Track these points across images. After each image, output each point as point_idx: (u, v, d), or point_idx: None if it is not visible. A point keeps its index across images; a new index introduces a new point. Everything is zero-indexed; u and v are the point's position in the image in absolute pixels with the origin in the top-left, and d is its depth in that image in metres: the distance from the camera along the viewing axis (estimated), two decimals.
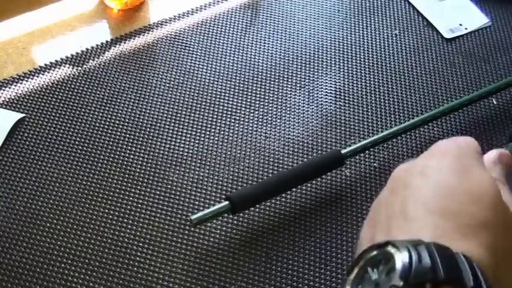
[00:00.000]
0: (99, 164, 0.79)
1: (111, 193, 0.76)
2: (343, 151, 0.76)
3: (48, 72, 0.88)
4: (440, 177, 0.36)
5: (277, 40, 0.94)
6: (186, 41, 0.93)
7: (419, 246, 0.31)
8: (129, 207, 0.75)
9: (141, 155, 0.80)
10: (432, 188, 0.35)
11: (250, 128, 0.84)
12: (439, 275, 0.30)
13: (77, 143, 0.81)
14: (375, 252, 0.33)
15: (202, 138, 0.82)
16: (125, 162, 0.79)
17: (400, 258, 0.31)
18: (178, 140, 0.82)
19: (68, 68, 0.88)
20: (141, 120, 0.84)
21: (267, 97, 0.87)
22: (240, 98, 0.87)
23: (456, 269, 0.30)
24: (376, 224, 0.36)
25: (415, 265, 0.30)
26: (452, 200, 0.34)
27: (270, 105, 0.86)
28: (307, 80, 0.89)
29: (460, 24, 0.98)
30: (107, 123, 0.83)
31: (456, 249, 0.31)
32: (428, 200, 0.35)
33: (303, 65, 0.91)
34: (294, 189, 0.77)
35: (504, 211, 0.35)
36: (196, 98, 0.87)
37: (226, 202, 0.71)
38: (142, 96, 0.86)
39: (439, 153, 0.38)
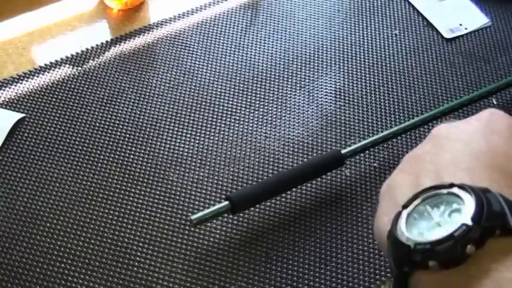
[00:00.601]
0: (99, 164, 0.79)
1: (111, 193, 0.76)
2: (343, 151, 0.76)
3: (48, 72, 0.88)
4: (494, 139, 0.35)
5: (277, 40, 0.94)
6: (186, 41, 0.93)
7: (488, 194, 0.31)
8: (129, 207, 0.75)
9: (141, 155, 0.80)
10: (486, 148, 0.35)
11: (250, 128, 0.84)
12: (508, 222, 0.30)
13: (77, 143, 0.81)
14: (439, 191, 0.32)
15: (202, 138, 0.82)
16: (125, 162, 0.79)
17: (471, 200, 0.30)
18: (178, 140, 0.82)
19: (68, 68, 0.88)
20: (141, 120, 0.84)
21: (267, 97, 0.87)
22: (240, 98, 0.87)
23: None
24: (420, 171, 0.35)
25: (486, 209, 0.30)
26: (507, 159, 0.34)
27: (270, 105, 0.86)
28: (307, 80, 0.89)
29: (460, 24, 0.98)
30: (107, 123, 0.83)
31: None
32: (481, 155, 0.34)
33: (303, 65, 0.91)
34: (294, 189, 0.77)
35: None
36: (196, 98, 0.87)
37: (226, 202, 0.71)
38: (142, 96, 0.86)
39: (488, 116, 0.38)
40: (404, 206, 0.33)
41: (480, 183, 0.32)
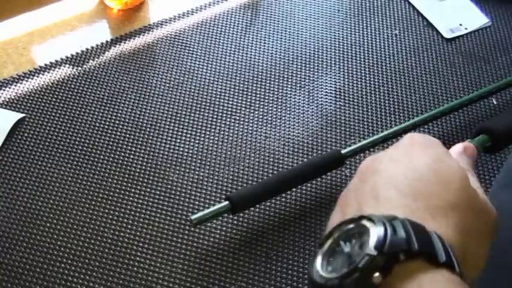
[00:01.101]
0: (99, 164, 0.79)
1: (111, 193, 0.76)
2: (343, 151, 0.76)
3: (48, 72, 0.88)
4: (410, 162, 0.36)
5: (277, 40, 0.94)
6: (186, 41, 0.93)
7: (394, 220, 0.31)
8: (129, 207, 0.75)
9: (141, 155, 0.80)
10: (403, 172, 0.35)
11: (250, 128, 0.84)
12: (413, 246, 0.30)
13: (77, 143, 0.81)
14: (349, 226, 0.33)
15: (202, 138, 0.82)
16: (125, 162, 0.79)
17: (376, 231, 0.31)
18: (178, 140, 0.82)
19: (68, 68, 0.88)
20: (141, 120, 0.84)
21: (267, 97, 0.87)
22: (240, 98, 0.87)
23: (429, 244, 0.31)
24: (346, 208, 0.36)
25: (390, 236, 0.30)
26: (422, 182, 0.35)
27: (270, 105, 0.86)
28: (307, 80, 0.89)
29: (460, 24, 0.98)
30: (107, 123, 0.83)
31: (428, 228, 0.32)
32: (399, 182, 0.35)
33: (303, 65, 0.91)
34: (294, 189, 0.77)
35: (471, 194, 0.36)
36: (196, 98, 0.87)
37: (226, 202, 0.71)
38: (142, 96, 0.86)
39: (407, 142, 0.38)
40: (320, 245, 0.34)
41: (393, 212, 0.33)
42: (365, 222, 0.32)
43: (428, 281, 0.29)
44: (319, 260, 0.32)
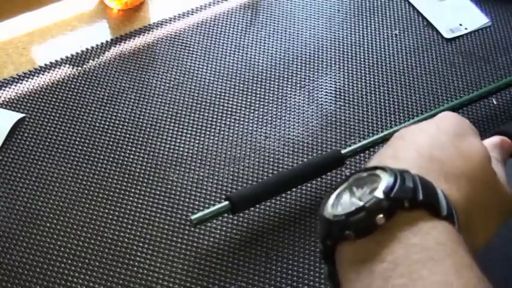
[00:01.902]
0: (99, 164, 0.79)
1: (111, 193, 0.76)
2: (343, 151, 0.76)
3: (48, 72, 0.88)
4: (435, 133, 0.39)
5: (277, 40, 0.94)
6: (186, 41, 0.93)
7: (405, 173, 0.34)
8: (129, 207, 0.75)
9: (141, 155, 0.80)
10: (426, 139, 0.38)
11: (250, 128, 0.84)
12: (418, 196, 0.33)
13: (77, 143, 0.81)
14: (363, 174, 0.36)
15: (202, 138, 0.82)
16: (125, 162, 0.79)
17: (386, 179, 0.34)
18: (178, 140, 0.82)
19: (68, 68, 0.88)
20: (141, 120, 0.84)
21: (267, 97, 0.87)
22: (240, 98, 0.87)
23: (434, 197, 0.33)
24: (367, 164, 0.39)
25: (398, 184, 0.33)
26: (443, 151, 0.37)
27: (270, 105, 0.86)
28: (307, 80, 0.89)
29: (460, 24, 0.98)
30: (107, 123, 0.83)
31: (437, 187, 0.34)
32: (419, 146, 0.38)
33: (303, 65, 0.91)
34: (294, 189, 0.77)
35: (488, 173, 0.38)
36: (196, 98, 0.87)
37: (226, 202, 0.71)
38: (142, 96, 0.86)
39: (440, 118, 0.41)
40: (335, 188, 0.37)
41: (410, 169, 0.35)
42: (379, 171, 0.35)
43: (428, 228, 0.32)
44: (331, 200, 0.35)
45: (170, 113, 0.85)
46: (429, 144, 0.38)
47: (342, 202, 0.35)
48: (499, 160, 0.43)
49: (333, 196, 0.36)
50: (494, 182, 0.38)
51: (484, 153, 0.38)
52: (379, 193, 0.33)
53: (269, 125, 0.84)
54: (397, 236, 0.32)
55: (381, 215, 0.32)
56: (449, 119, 0.41)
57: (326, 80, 0.89)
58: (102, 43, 0.91)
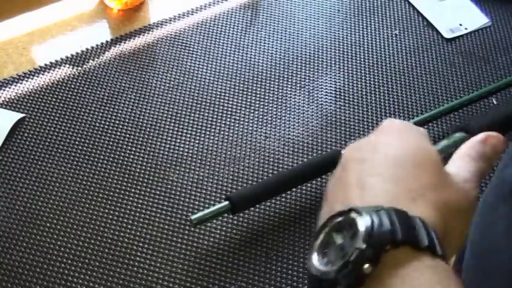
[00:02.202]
0: (99, 164, 0.79)
1: (111, 193, 0.76)
2: (342, 151, 0.76)
3: (48, 72, 0.88)
4: (390, 150, 0.39)
5: (277, 40, 0.94)
6: (186, 41, 0.93)
7: (380, 211, 0.34)
8: (129, 207, 0.75)
9: (141, 155, 0.80)
10: (384, 161, 0.38)
11: (250, 128, 0.84)
12: (397, 236, 0.33)
13: (77, 143, 0.81)
14: (339, 219, 0.35)
15: (202, 138, 0.82)
16: (125, 162, 0.79)
17: (363, 223, 0.33)
18: (178, 140, 0.82)
19: (68, 68, 0.88)
20: (141, 120, 0.84)
21: (267, 97, 0.87)
22: (240, 98, 0.87)
23: (413, 231, 0.33)
24: (334, 201, 0.39)
25: (376, 228, 0.33)
26: (401, 168, 0.38)
27: (270, 105, 0.86)
28: (307, 80, 0.89)
29: (460, 24, 0.98)
30: (107, 123, 0.83)
31: (411, 213, 0.34)
32: (380, 170, 0.38)
33: (303, 65, 0.91)
34: (294, 189, 0.77)
35: (444, 175, 0.39)
36: (196, 98, 0.87)
37: (226, 202, 0.71)
38: (142, 96, 0.86)
39: (388, 129, 0.42)
40: (315, 238, 0.36)
41: (376, 199, 0.36)
42: (353, 214, 0.35)
43: (412, 269, 0.32)
44: (315, 254, 0.35)
45: (170, 113, 0.85)
46: (388, 164, 0.38)
47: (327, 253, 0.35)
48: (475, 158, 0.43)
49: (316, 247, 0.36)
50: (454, 182, 0.39)
51: (435, 155, 0.39)
52: (360, 243, 0.33)
53: (269, 125, 0.84)
54: (386, 283, 0.32)
55: (367, 265, 0.33)
56: (396, 128, 0.41)
57: (326, 80, 0.89)
58: (102, 43, 0.91)
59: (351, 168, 0.40)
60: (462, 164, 0.41)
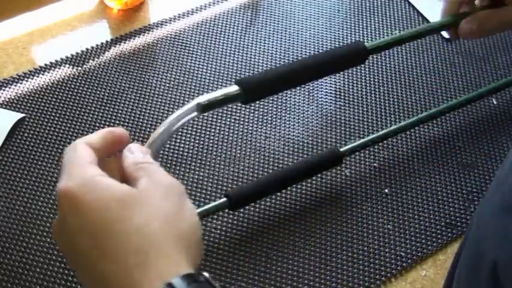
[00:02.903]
0: None
1: None
2: (341, 149, 0.77)
3: (48, 72, 0.88)
4: (82, 228, 0.41)
5: (277, 40, 0.94)
6: (186, 41, 0.93)
7: None
8: None
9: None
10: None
11: (250, 128, 0.84)
12: None
13: None
14: None
15: (202, 138, 0.82)
16: None
17: None
18: (178, 140, 0.82)
19: (68, 68, 0.88)
20: (141, 120, 0.84)
21: (267, 97, 0.87)
22: None
23: None
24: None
25: None
26: (102, 239, 0.40)
27: (270, 105, 0.86)
28: None
29: None
30: (107, 123, 0.83)
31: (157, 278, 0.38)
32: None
33: None
34: (293, 188, 0.77)
35: (124, 211, 0.42)
36: (196, 98, 0.86)
37: (224, 199, 0.70)
38: (142, 96, 0.86)
39: (67, 209, 0.42)
40: None
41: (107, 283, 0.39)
42: None
43: None
44: None
45: (170, 113, 0.85)
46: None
47: None
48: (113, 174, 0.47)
49: None
50: (134, 201, 0.43)
51: (104, 204, 0.42)
52: None
53: (269, 125, 0.84)
54: None
55: None
56: (68, 205, 0.42)
57: (326, 80, 0.89)
58: (102, 43, 0.91)
59: (75, 262, 0.43)
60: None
